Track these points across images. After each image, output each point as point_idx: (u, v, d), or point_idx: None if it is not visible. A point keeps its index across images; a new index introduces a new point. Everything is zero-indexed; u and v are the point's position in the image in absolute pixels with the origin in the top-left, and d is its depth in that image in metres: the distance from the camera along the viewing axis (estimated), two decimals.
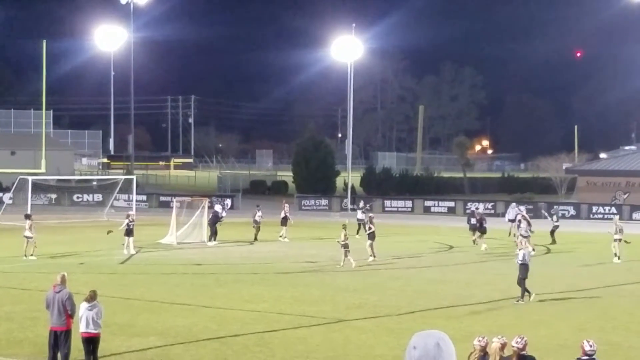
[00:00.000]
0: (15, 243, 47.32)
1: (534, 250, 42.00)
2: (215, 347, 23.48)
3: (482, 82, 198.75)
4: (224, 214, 50.95)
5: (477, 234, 48.69)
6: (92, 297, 20.33)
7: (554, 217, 53.10)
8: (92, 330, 20.13)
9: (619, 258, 42.98)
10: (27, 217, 43.94)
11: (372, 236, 42.25)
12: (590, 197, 77.43)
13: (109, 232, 47.02)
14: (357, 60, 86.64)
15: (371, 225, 42.88)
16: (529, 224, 46.42)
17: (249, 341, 24.10)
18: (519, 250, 32.17)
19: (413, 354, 5.58)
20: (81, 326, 20.19)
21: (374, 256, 41.74)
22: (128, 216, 45.82)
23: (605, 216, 69.83)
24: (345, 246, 39.85)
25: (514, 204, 63.00)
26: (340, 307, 29.36)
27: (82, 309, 20.21)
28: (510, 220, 55.34)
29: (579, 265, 42.05)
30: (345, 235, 40.03)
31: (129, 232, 44.84)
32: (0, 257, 42.18)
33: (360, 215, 56.42)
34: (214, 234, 49.40)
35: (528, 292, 30.71)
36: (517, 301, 30.39)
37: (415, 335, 5.69)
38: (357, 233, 53.47)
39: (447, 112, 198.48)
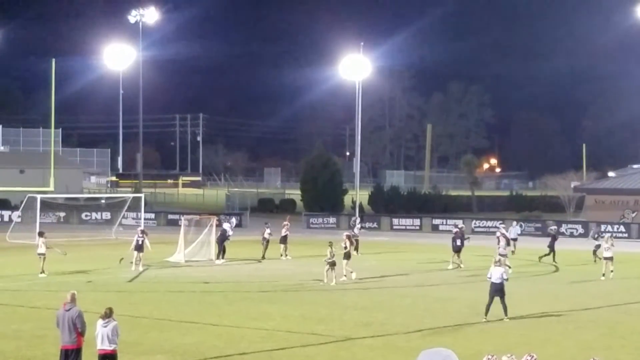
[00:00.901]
0: (23, 261, 47.46)
1: (510, 268, 42.37)
2: None
3: (490, 100, 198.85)
4: (231, 232, 50.99)
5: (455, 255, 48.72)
6: (107, 314, 20.36)
7: (598, 238, 52.76)
8: (107, 347, 20.15)
9: (603, 275, 43.07)
10: (41, 234, 44.11)
11: (347, 255, 41.80)
12: (599, 216, 77.27)
13: (121, 260, 46.72)
14: (365, 78, 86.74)
15: (347, 245, 42.20)
16: (507, 243, 46.50)
17: (257, 359, 24.08)
18: (496, 267, 31.13)
19: None
20: (97, 343, 20.23)
21: (345, 276, 41.31)
22: (143, 232, 46.17)
23: (614, 234, 69.67)
24: (332, 264, 39.79)
25: (514, 223, 63.44)
26: (348, 325, 29.34)
27: (98, 326, 20.25)
28: (512, 239, 55.97)
29: (585, 284, 41.96)
30: (331, 253, 39.99)
31: (138, 248, 45.01)
32: (9, 275, 42.24)
33: (356, 230, 56.58)
34: (222, 252, 49.42)
35: (487, 311, 30.17)
36: (483, 319, 30.15)
37: (422, 353, 5.74)
38: (356, 250, 53.71)
39: (455, 130, 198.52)
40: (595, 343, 26.75)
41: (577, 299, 36.62)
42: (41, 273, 41.73)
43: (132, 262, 45.27)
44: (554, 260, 50.05)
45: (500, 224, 57.91)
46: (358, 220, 63.51)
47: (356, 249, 54.23)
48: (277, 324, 29.55)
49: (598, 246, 50.08)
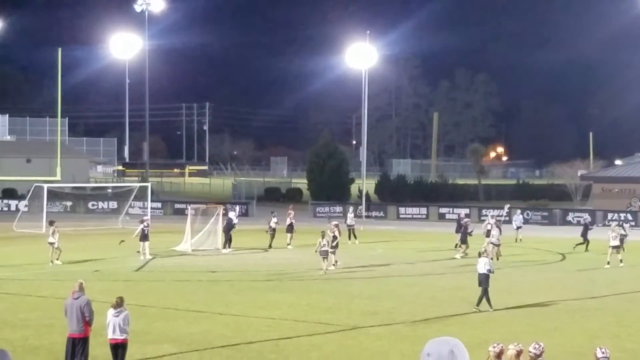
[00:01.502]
0: (30, 250, 47.55)
1: (498, 258, 42.33)
2: (229, 354, 23.51)
3: (497, 89, 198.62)
4: (236, 221, 51.01)
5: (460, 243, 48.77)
6: (118, 304, 20.43)
7: (627, 229, 52.58)
8: (118, 336, 20.25)
9: (608, 263, 43.27)
10: (51, 223, 44.18)
11: (335, 244, 41.77)
12: (606, 204, 77.15)
13: (121, 242, 47.05)
14: (371, 67, 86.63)
15: (335, 234, 42.04)
16: (500, 231, 46.19)
17: (264, 348, 24.12)
18: (481, 258, 31.15)
19: None
20: (108, 332, 20.35)
21: (334, 265, 41.28)
22: (142, 221, 46.08)
23: (621, 223, 69.60)
24: (324, 253, 39.72)
25: (518, 211, 63.62)
26: (354, 314, 29.36)
27: (109, 316, 20.36)
28: (517, 228, 57.23)
29: (592, 272, 41.94)
30: (321, 243, 39.87)
31: (144, 237, 45.05)
32: (16, 264, 42.32)
33: (350, 220, 56.59)
34: (228, 241, 49.45)
35: (479, 302, 30.13)
36: (476, 307, 30.15)
37: (429, 342, 5.72)
38: (349, 239, 54.05)
39: (461, 119, 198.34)
40: (602, 331, 26.74)
41: (584, 287, 36.61)
42: (52, 262, 41.88)
43: (138, 252, 45.33)
44: (586, 249, 50.12)
45: (490, 212, 57.16)
46: (351, 209, 63.28)
47: (354, 237, 54.61)
48: (283, 313, 29.58)
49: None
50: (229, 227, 49.65)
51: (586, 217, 57.91)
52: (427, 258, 46.78)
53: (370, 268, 42.15)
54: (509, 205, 63.96)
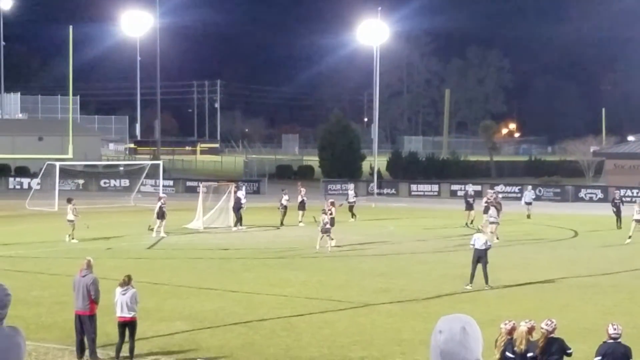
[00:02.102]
0: (43, 228, 47.69)
1: (497, 239, 41.49)
2: (242, 331, 23.55)
3: (509, 65, 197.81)
4: (244, 200, 50.89)
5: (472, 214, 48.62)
6: (125, 282, 20.47)
7: None
8: (126, 314, 20.29)
9: (630, 238, 43.04)
10: (69, 201, 44.26)
11: (332, 222, 41.66)
12: (618, 180, 76.82)
13: (149, 227, 46.56)
14: (383, 43, 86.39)
15: (332, 211, 41.93)
16: (498, 210, 44.99)
17: (276, 325, 24.15)
18: (479, 234, 31.00)
19: (439, 338, 5.55)
20: (117, 310, 20.43)
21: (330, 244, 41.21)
22: (160, 199, 46.23)
23: (634, 199, 69.38)
24: (326, 231, 39.45)
25: (529, 187, 63.30)
26: (366, 292, 29.37)
27: (117, 294, 20.41)
28: (526, 203, 57.19)
29: (605, 249, 41.87)
30: (324, 221, 39.62)
31: (161, 215, 45.11)
32: (29, 242, 42.45)
33: (351, 198, 56.51)
34: (239, 219, 49.43)
35: (471, 279, 29.92)
36: (466, 285, 29.94)
37: (441, 319, 5.67)
38: (354, 217, 54.08)
39: (473, 95, 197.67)
40: (615, 308, 26.69)
41: (597, 264, 36.54)
42: (72, 239, 42.07)
43: (151, 229, 45.43)
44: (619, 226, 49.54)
45: (491, 190, 56.10)
46: (352, 187, 63.02)
47: (353, 215, 54.45)
48: (295, 290, 29.61)
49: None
50: (237, 206, 49.66)
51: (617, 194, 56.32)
52: (438, 235, 46.74)
53: (382, 245, 42.16)
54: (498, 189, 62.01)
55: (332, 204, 43.40)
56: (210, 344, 22.10)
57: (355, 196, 58.03)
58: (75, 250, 38.55)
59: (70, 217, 42.59)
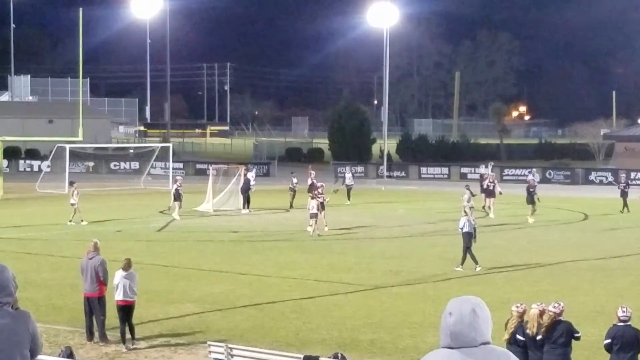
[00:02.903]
0: (53, 211, 47.75)
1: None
2: (251, 313, 23.59)
3: (519, 47, 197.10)
4: (253, 182, 50.86)
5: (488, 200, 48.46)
6: (128, 265, 20.47)
7: None
8: (128, 298, 20.29)
9: None
10: (71, 184, 44.40)
11: (322, 206, 41.53)
12: (629, 163, 76.64)
13: (169, 208, 46.38)
14: (393, 26, 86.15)
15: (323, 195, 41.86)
16: (471, 195, 44.27)
17: (286, 308, 24.19)
18: (464, 217, 31.14)
19: (449, 320, 5.56)
20: (117, 294, 20.33)
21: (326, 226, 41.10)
22: (176, 181, 46.33)
23: None
24: (314, 215, 39.10)
25: (534, 169, 62.98)
26: (376, 274, 29.38)
27: (118, 277, 20.34)
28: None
29: (615, 232, 41.80)
30: (311, 204, 39.35)
31: (177, 197, 45.17)
32: (39, 224, 42.55)
33: (348, 181, 56.42)
34: (246, 201, 49.42)
35: (475, 261, 29.99)
36: (457, 267, 30.05)
37: (450, 301, 5.67)
38: (348, 199, 53.92)
39: (483, 78, 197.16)
40: (625, 291, 26.65)
41: (607, 246, 36.49)
42: (70, 221, 42.11)
43: (168, 210, 45.55)
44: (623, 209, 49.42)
45: (488, 171, 54.94)
46: (348, 169, 62.77)
47: (348, 198, 54.37)
48: (305, 272, 29.64)
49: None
50: (246, 188, 49.67)
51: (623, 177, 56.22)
52: (448, 218, 46.62)
53: (392, 228, 42.14)
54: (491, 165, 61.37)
55: (322, 187, 43.09)
56: (220, 326, 22.14)
57: (353, 179, 57.71)
58: (85, 233, 38.61)
59: (72, 200, 42.65)
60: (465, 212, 32.34)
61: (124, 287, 20.24)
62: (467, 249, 30.16)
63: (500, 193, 48.48)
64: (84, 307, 20.92)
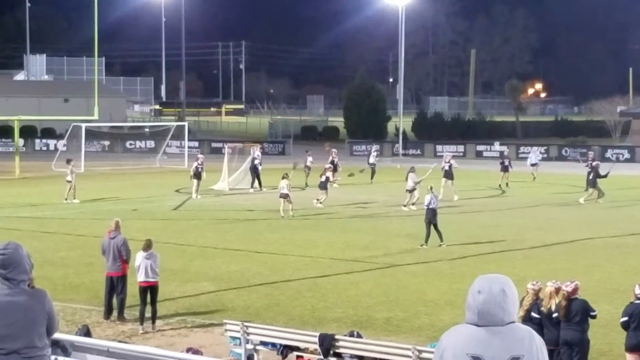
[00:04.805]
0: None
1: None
2: (267, 292, 23.64)
3: (535, 24, 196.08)
4: (258, 160, 50.52)
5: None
6: (148, 246, 20.48)
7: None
8: (150, 279, 20.25)
9: None
10: (68, 162, 44.71)
11: (322, 185, 41.45)
12: None
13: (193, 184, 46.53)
14: (408, 3, 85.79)
15: (327, 175, 42.12)
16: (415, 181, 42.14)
17: (301, 286, 24.23)
18: (429, 194, 31.34)
19: (477, 298, 5.55)
20: (139, 275, 20.28)
21: (321, 203, 41.16)
22: (197, 159, 46.40)
23: None
24: (285, 196, 38.63)
25: (535, 148, 62.83)
26: (392, 252, 29.39)
27: (140, 258, 20.31)
28: (532, 165, 55.82)
29: (631, 208, 41.68)
30: (284, 186, 38.87)
31: (197, 175, 45.21)
32: (56, 203, 42.67)
33: (372, 159, 56.02)
34: (256, 180, 49.17)
35: (440, 237, 30.22)
36: (421, 245, 30.14)
37: (479, 279, 5.66)
38: (372, 178, 53.71)
39: (499, 55, 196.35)
40: None
41: (623, 224, 36.38)
42: (66, 200, 42.52)
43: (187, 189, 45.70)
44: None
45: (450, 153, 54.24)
46: (374, 147, 62.47)
47: (372, 177, 54.08)
48: (321, 251, 29.68)
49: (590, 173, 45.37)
50: (251, 167, 49.56)
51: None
52: (464, 196, 46.57)
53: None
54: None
55: (328, 169, 43.28)
56: (236, 305, 22.20)
57: (376, 158, 56.99)
58: (101, 212, 38.71)
59: (70, 177, 42.93)
60: (429, 188, 32.27)
61: (145, 267, 20.20)
62: (433, 224, 30.40)
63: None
64: (105, 286, 20.97)
